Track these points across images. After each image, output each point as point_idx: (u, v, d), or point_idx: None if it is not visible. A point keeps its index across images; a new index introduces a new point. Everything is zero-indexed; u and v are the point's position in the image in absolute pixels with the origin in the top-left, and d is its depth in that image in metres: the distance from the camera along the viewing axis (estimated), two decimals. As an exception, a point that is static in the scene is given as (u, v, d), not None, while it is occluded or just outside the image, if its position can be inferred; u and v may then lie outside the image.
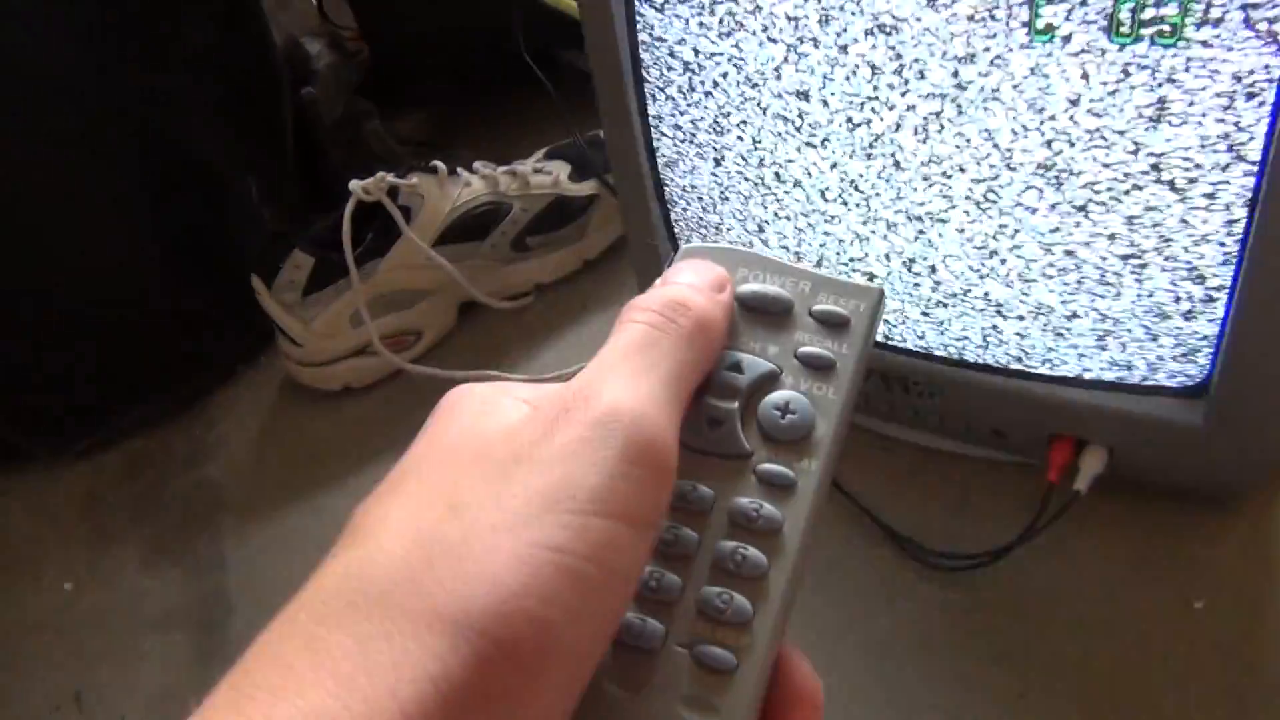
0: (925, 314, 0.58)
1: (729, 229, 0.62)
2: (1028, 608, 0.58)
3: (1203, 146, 0.44)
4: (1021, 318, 0.55)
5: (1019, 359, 0.57)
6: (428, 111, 1.00)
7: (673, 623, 0.23)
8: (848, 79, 0.50)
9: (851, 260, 0.57)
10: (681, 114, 0.59)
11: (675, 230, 0.66)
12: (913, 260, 0.55)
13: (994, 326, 0.56)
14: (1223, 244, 0.47)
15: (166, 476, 0.77)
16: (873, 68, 0.49)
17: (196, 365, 0.81)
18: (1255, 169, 0.44)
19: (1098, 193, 0.48)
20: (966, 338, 0.58)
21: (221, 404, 0.81)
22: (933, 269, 0.55)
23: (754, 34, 0.52)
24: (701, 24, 0.53)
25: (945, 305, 0.56)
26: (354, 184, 0.74)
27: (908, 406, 0.63)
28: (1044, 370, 0.58)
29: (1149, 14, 0.42)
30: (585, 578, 0.20)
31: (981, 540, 0.60)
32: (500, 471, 0.22)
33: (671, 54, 0.56)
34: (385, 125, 0.95)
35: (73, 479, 0.78)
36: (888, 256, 0.56)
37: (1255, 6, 0.40)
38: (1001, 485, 0.63)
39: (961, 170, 0.50)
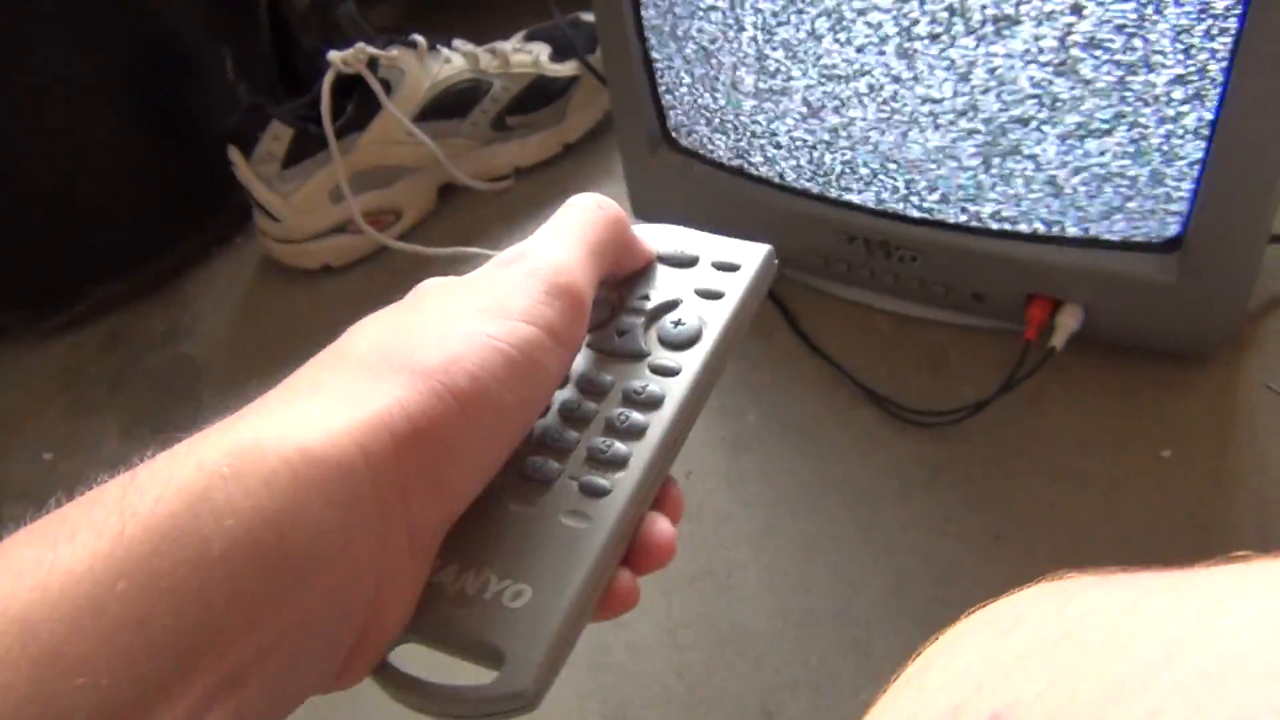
0: (909, 171, 0.58)
1: (720, 107, 0.62)
2: (1003, 459, 0.59)
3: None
4: (1003, 170, 0.56)
5: (999, 218, 0.58)
6: None
7: (568, 464, 0.30)
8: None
9: (838, 113, 0.58)
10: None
11: (665, 111, 0.66)
12: (896, 114, 0.56)
13: (976, 182, 0.57)
14: (1200, 93, 0.48)
15: (144, 352, 0.76)
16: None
17: (173, 241, 0.80)
18: (1238, 11, 0.45)
19: (1083, 32, 0.49)
20: (948, 195, 0.58)
21: (199, 282, 0.81)
22: (916, 121, 0.56)
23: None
24: None
25: (932, 162, 0.57)
26: (333, 55, 0.74)
27: (888, 272, 0.65)
28: (1024, 229, 0.59)
29: None
30: (514, 361, 0.27)
31: (958, 400, 0.61)
32: (455, 293, 0.30)
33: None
34: (359, 9, 0.93)
35: (50, 353, 0.77)
36: (869, 105, 0.56)
37: None
38: (978, 349, 0.65)
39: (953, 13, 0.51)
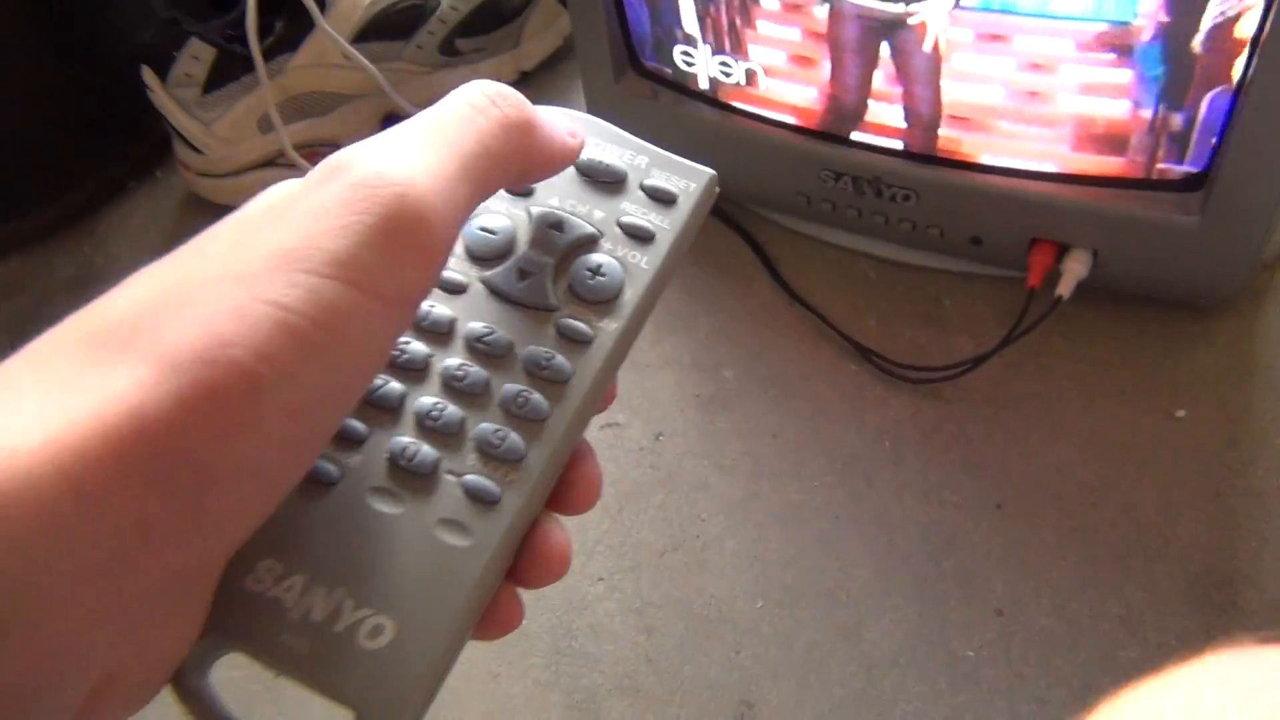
0: (903, 97, 0.52)
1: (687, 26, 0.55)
2: (1003, 419, 0.54)
3: None
4: (1011, 97, 0.50)
5: (1003, 153, 0.53)
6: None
7: (449, 453, 0.24)
8: None
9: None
10: None
11: (631, 32, 0.59)
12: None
13: (977, 108, 0.51)
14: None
15: (49, 299, 0.69)
16: None
17: (82, 175, 0.72)
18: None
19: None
20: (948, 126, 0.52)
21: (113, 221, 0.73)
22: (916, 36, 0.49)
23: None
24: None
25: (922, 81, 0.51)
26: (259, -36, 0.65)
27: (878, 213, 0.59)
28: (1031, 166, 0.53)
29: None
30: (309, 340, 0.20)
31: (954, 354, 0.56)
32: (251, 226, 0.21)
33: None
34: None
35: (-57, 298, 0.70)
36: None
37: None
38: (976, 298, 0.59)
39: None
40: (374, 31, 0.70)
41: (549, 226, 0.27)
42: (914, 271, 0.61)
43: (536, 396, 0.25)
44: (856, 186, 0.58)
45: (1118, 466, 0.52)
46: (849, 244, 0.63)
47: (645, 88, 0.62)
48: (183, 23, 0.66)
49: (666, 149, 0.28)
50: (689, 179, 0.28)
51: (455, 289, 0.26)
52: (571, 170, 0.28)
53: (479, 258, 0.27)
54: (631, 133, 0.29)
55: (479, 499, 0.23)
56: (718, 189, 0.28)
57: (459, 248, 0.26)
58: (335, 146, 0.23)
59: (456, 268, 0.26)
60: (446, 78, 0.74)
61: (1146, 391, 0.54)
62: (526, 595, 0.25)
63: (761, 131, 0.59)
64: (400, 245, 0.21)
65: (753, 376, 0.58)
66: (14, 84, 0.68)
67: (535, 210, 0.27)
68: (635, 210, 0.27)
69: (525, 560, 0.24)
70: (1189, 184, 0.51)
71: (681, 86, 0.60)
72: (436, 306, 0.26)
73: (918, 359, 0.56)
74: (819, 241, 0.63)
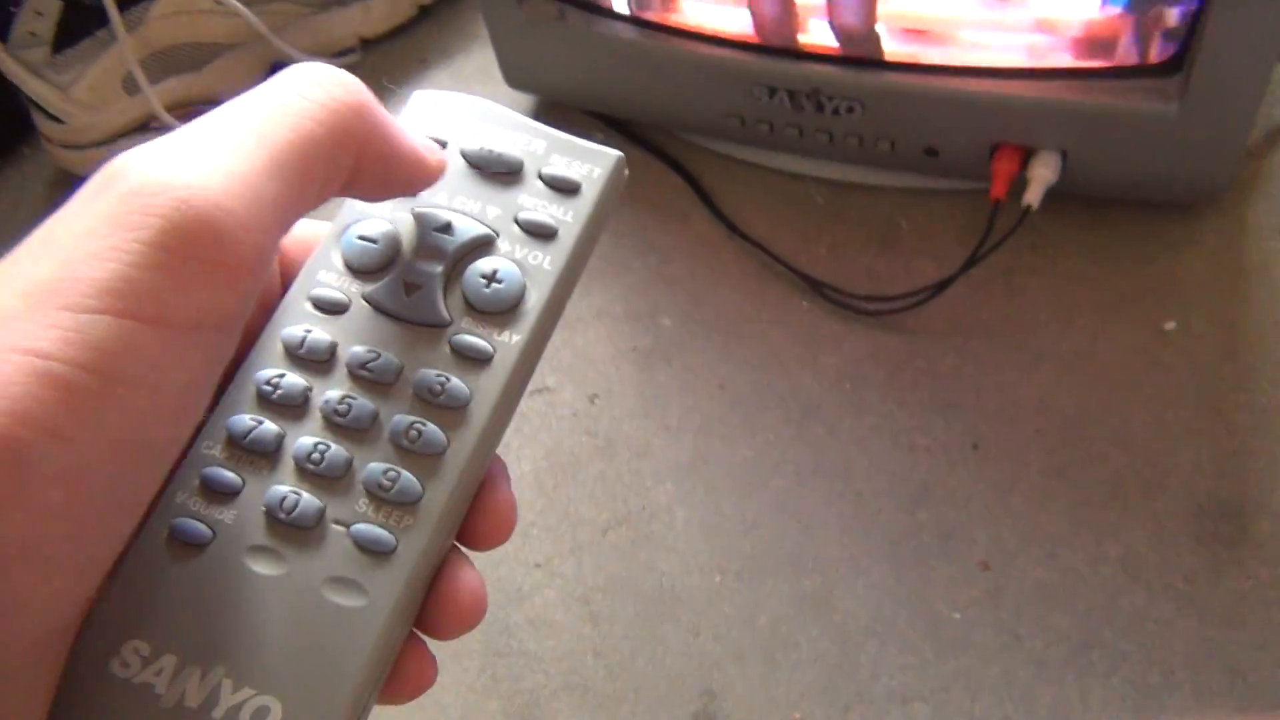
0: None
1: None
2: (974, 349, 0.49)
3: None
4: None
5: (956, 52, 0.46)
6: None
7: (334, 499, 0.21)
8: None
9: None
10: None
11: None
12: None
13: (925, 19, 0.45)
14: None
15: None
16: None
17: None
18: None
19: None
20: (892, 25, 0.46)
21: (-25, 207, 0.65)
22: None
23: None
24: None
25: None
26: (102, -101, 0.57)
27: (820, 130, 0.52)
28: (987, 63, 0.47)
29: None
30: (78, 389, 0.17)
31: (916, 280, 0.50)
32: (10, 261, 0.18)
33: None
34: None
35: None
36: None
37: None
38: (935, 216, 0.53)
39: None
40: (247, -31, 0.62)
41: (435, 229, 0.24)
42: (865, 191, 0.55)
43: (431, 428, 0.22)
44: (794, 101, 0.51)
45: (1105, 391, 0.46)
46: (792, 168, 0.56)
47: (551, 10, 0.55)
48: (19, -28, 0.58)
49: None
50: (593, 163, 0.25)
51: (334, 308, 0.23)
52: (460, 162, 0.24)
53: (359, 270, 0.23)
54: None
55: (371, 550, 0.21)
56: (626, 171, 0.25)
57: (336, 260, 0.23)
58: (215, 103, 0.19)
59: (334, 283, 0.23)
60: (335, 16, 0.67)
61: (1130, 305, 0.49)
62: (439, 644, 0.22)
63: (684, 48, 0.52)
64: (186, 261, 0.18)
65: (694, 323, 0.52)
66: None
67: (419, 211, 0.24)
68: (534, 204, 0.24)
69: (432, 608, 0.21)
70: (1164, 68, 0.45)
71: (591, 4, 0.53)
72: (313, 331, 0.22)
73: (876, 289, 0.50)
74: (759, 167, 0.56)
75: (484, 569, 0.22)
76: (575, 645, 0.43)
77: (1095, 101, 0.47)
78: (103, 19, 0.59)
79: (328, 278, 0.23)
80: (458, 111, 0.25)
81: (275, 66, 0.66)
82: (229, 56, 0.64)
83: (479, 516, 0.22)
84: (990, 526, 0.44)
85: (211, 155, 0.18)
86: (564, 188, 0.24)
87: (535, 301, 0.23)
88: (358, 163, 0.21)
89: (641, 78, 0.54)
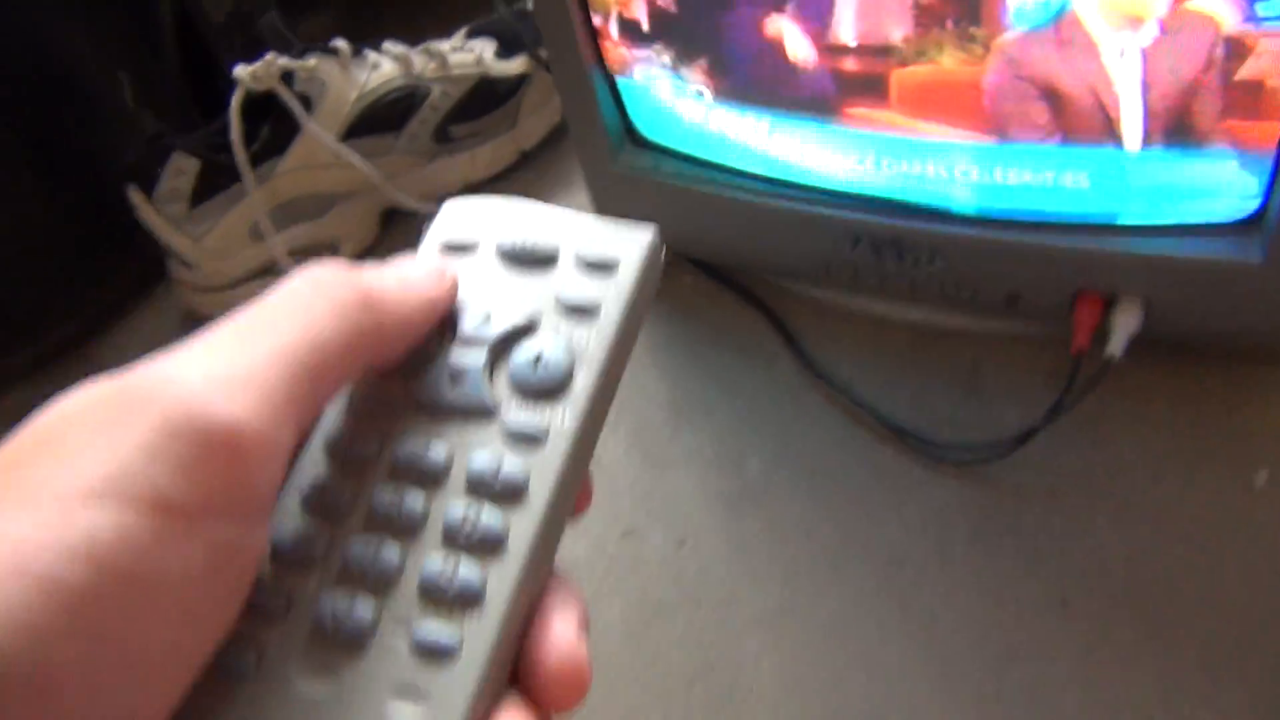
0: (915, 163, 0.48)
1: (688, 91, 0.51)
2: (1060, 501, 0.49)
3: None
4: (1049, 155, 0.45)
5: (1038, 208, 0.48)
6: (334, 6, 0.88)
7: (388, 604, 0.20)
8: None
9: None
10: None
11: (626, 104, 0.55)
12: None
13: (1004, 161, 0.46)
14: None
15: (55, 430, 0.66)
16: None
17: (78, 301, 0.70)
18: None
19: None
20: (973, 184, 0.48)
21: (115, 344, 0.71)
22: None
23: None
24: None
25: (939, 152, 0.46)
26: (240, 70, 0.63)
27: (902, 276, 0.54)
28: (1067, 216, 0.48)
29: None
30: (85, 594, 0.17)
31: (999, 428, 0.51)
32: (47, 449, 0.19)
33: None
34: (285, 22, 0.83)
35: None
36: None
37: None
38: (1017, 362, 0.54)
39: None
40: (364, 126, 0.67)
41: (476, 320, 0.24)
42: (948, 337, 0.56)
43: (488, 515, 0.21)
44: (877, 252, 0.53)
45: (1194, 546, 0.46)
46: (877, 310, 0.58)
47: (646, 160, 0.58)
48: (167, 136, 0.64)
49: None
50: (628, 240, 0.25)
51: (379, 411, 0.23)
52: (495, 259, 0.25)
53: (401, 371, 0.23)
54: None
55: (433, 654, 0.20)
56: (664, 247, 0.25)
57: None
58: (334, 250, 0.21)
59: (378, 385, 0.23)
60: (444, 165, 0.71)
61: (1219, 456, 0.48)
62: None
63: (770, 198, 0.54)
64: (188, 446, 0.18)
65: (781, 466, 0.53)
66: (9, 218, 0.67)
67: (457, 305, 0.24)
68: (573, 285, 0.24)
69: (529, 684, 0.21)
70: (1246, 221, 0.46)
71: (682, 155, 0.56)
72: (360, 439, 0.23)
73: (959, 436, 0.51)
74: (844, 310, 0.58)
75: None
76: (663, 795, 0.44)
77: (1177, 254, 0.47)
78: (235, 175, 0.64)
79: (373, 380, 0.23)
80: (488, 213, 0.26)
81: (390, 213, 0.71)
82: (347, 204, 0.69)
83: (549, 680, 0.21)
84: (1080, 690, 0.43)
85: (225, 361, 0.20)
86: (601, 265, 0.24)
87: (584, 381, 0.23)
88: (367, 344, 0.22)
89: (731, 224, 0.57)
